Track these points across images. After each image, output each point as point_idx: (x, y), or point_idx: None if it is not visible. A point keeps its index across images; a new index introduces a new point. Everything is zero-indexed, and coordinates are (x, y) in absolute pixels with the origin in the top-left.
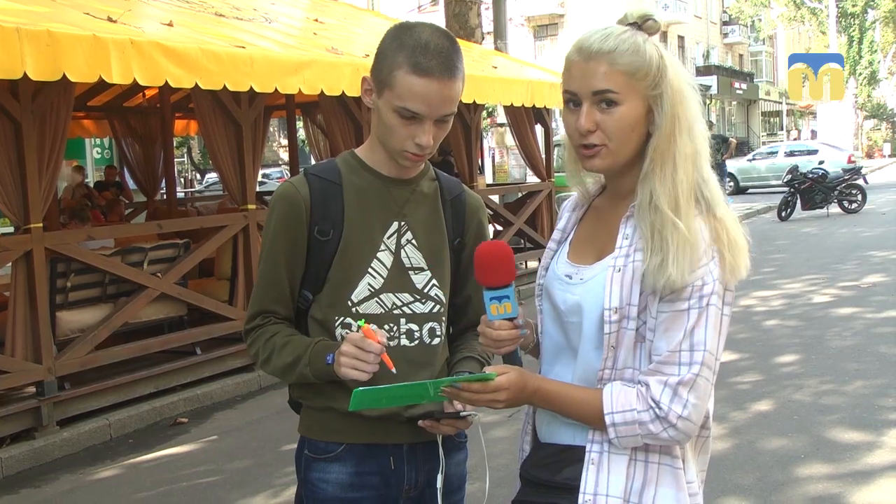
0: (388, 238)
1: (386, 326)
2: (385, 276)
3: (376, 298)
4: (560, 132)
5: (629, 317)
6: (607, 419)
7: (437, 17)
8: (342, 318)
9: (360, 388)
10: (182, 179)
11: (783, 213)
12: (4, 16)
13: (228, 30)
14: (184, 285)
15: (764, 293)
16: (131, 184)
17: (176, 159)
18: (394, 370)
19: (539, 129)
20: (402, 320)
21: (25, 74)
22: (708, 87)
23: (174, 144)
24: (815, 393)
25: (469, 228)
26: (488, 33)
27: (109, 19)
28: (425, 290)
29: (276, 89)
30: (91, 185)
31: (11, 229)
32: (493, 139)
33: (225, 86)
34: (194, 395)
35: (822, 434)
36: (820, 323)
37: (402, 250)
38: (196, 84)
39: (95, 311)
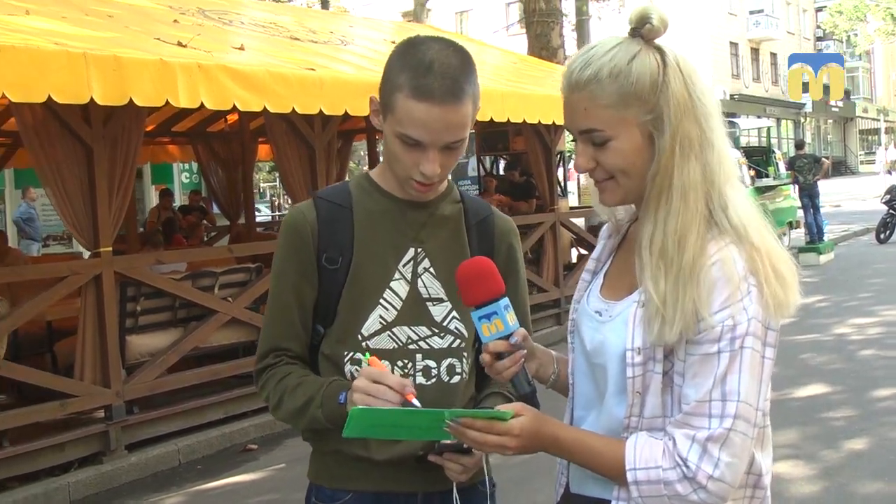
0: (404, 266)
1: (400, 363)
2: (399, 308)
3: (389, 332)
4: None
5: (655, 358)
6: (629, 475)
7: (524, 40)
8: (352, 354)
9: (359, 408)
10: (272, 202)
11: (882, 235)
12: (73, 41)
13: (301, 53)
14: (255, 310)
15: (860, 320)
16: (216, 208)
17: (269, 184)
18: (417, 404)
19: None
20: (419, 356)
21: (94, 99)
22: (802, 105)
23: (255, 168)
24: None
25: (499, 254)
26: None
27: (179, 44)
28: (444, 323)
29: (346, 112)
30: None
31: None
32: None
33: (294, 108)
34: (265, 422)
35: None
36: None
37: (419, 279)
38: (265, 107)
39: (165, 336)
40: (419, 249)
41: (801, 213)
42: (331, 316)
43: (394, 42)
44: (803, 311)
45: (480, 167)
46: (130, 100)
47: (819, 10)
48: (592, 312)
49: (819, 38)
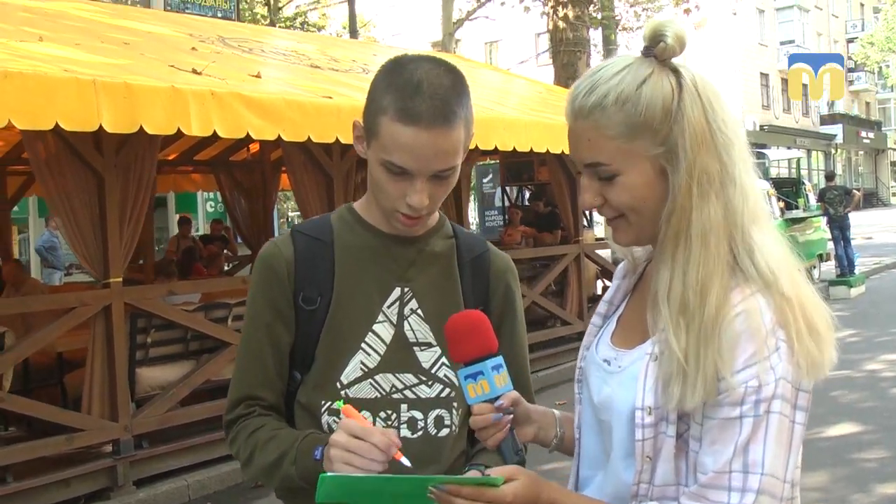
0: (389, 307)
1: (382, 414)
2: (382, 353)
3: (370, 380)
4: None
5: (668, 420)
6: None
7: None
8: (329, 404)
9: (330, 475)
10: None
11: None
12: (84, 68)
13: (320, 81)
14: None
15: (893, 356)
16: (239, 238)
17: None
18: (407, 462)
19: None
20: (403, 406)
21: (104, 126)
22: (833, 137)
23: (282, 198)
24: None
25: (495, 294)
26: None
27: (194, 71)
28: (433, 371)
29: None
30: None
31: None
32: None
33: (310, 137)
34: None
35: None
36: None
37: (406, 322)
38: (279, 135)
39: (176, 368)
40: (406, 289)
41: (831, 245)
42: (308, 361)
43: None
44: (837, 325)
45: (505, 198)
46: (141, 127)
47: (850, 41)
48: (601, 361)
49: (850, 70)
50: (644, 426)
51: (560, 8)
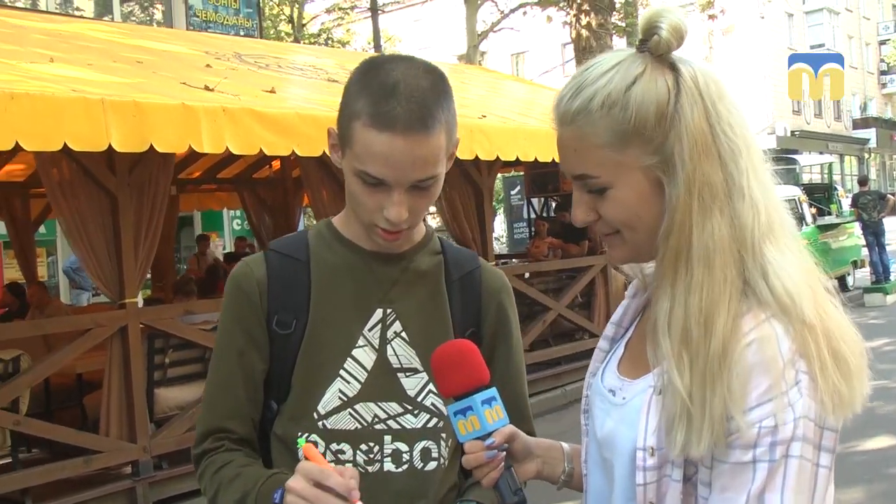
0: (370, 330)
1: (364, 446)
2: (363, 381)
3: (350, 409)
4: None
5: (673, 462)
6: None
7: None
8: (306, 436)
9: None
10: None
11: None
12: (93, 87)
13: (337, 95)
14: None
15: None
16: None
17: None
18: None
19: None
20: (387, 438)
21: (113, 146)
22: (866, 141)
23: (306, 214)
24: None
25: (486, 315)
26: None
27: (206, 88)
28: (419, 399)
29: None
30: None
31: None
32: None
33: (325, 152)
34: None
35: None
36: None
37: (389, 346)
38: (293, 151)
39: (194, 388)
40: (389, 310)
41: (865, 251)
42: (284, 390)
43: None
44: (869, 355)
45: (531, 210)
46: (152, 146)
47: (882, 43)
48: (606, 391)
49: (883, 72)
50: (646, 469)
51: (583, 16)
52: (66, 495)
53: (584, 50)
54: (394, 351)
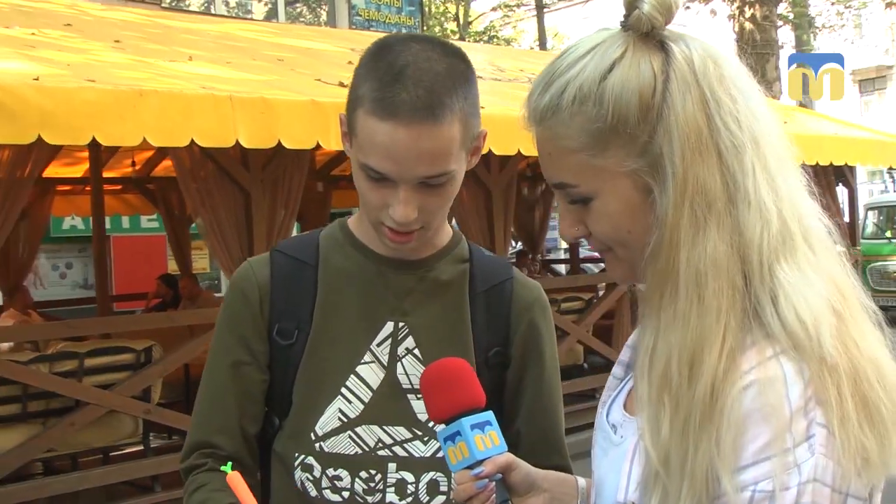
0: (379, 345)
1: (364, 474)
2: (367, 401)
3: (350, 432)
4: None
5: None
6: None
7: None
8: (303, 458)
9: None
10: None
11: None
12: (224, 85)
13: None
14: None
15: None
16: None
17: None
18: None
19: (841, 189)
20: (392, 466)
21: (240, 142)
22: None
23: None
24: None
25: (515, 333)
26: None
27: (341, 84)
28: (430, 424)
29: (518, 151)
30: None
31: None
32: None
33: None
34: None
35: None
36: None
37: (400, 363)
38: None
39: None
40: (401, 324)
41: None
42: (286, 405)
43: None
44: None
45: None
46: (279, 142)
47: None
48: (608, 427)
49: None
50: None
51: (746, 8)
52: None
53: (747, 44)
54: (404, 369)
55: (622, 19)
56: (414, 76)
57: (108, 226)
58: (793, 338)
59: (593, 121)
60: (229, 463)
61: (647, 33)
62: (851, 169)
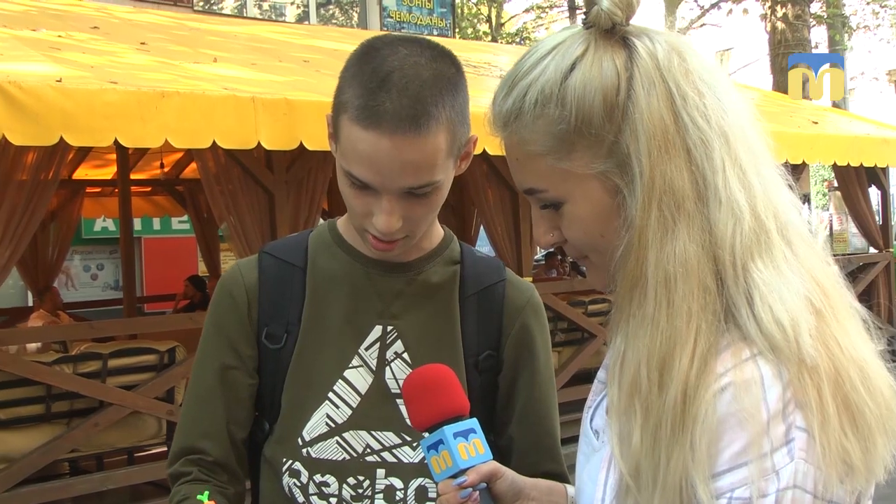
0: (368, 349)
1: (352, 480)
2: (355, 406)
3: (337, 437)
4: None
5: None
6: None
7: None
8: (290, 463)
9: None
10: None
11: None
12: (247, 86)
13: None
14: None
15: None
16: None
17: None
18: None
19: (874, 191)
20: (380, 472)
21: (262, 144)
22: None
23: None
24: None
25: (507, 337)
26: None
27: None
28: None
29: None
30: None
31: None
32: (832, 204)
33: (485, 149)
34: None
35: None
36: None
37: (388, 368)
38: None
39: None
40: (389, 327)
41: None
42: (275, 409)
43: None
44: None
45: None
46: (301, 143)
47: None
48: (591, 433)
49: None
50: None
51: (778, 8)
52: None
53: (779, 43)
54: (393, 374)
55: (583, 16)
56: (399, 84)
57: (138, 227)
58: (770, 339)
59: (557, 123)
60: (206, 491)
61: (608, 30)
62: (884, 170)
